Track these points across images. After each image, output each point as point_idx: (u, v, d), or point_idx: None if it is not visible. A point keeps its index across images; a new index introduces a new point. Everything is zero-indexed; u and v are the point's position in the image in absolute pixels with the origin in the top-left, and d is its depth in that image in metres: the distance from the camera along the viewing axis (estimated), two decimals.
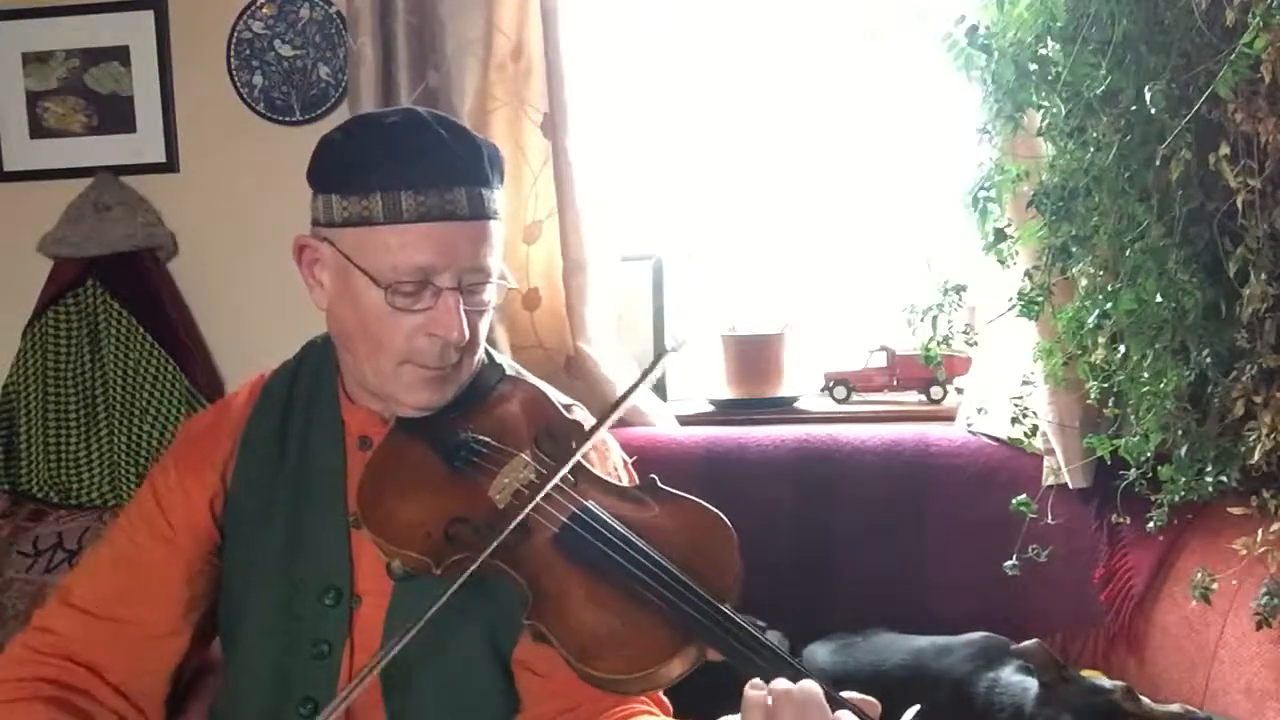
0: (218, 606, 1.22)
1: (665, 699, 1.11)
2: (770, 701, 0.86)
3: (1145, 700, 1.32)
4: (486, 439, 1.12)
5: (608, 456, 1.24)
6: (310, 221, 1.13)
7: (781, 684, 0.87)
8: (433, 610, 0.94)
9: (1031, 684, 1.39)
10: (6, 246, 2.25)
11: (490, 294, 1.13)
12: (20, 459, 2.19)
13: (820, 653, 1.60)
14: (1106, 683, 1.36)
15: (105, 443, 2.16)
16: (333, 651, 1.13)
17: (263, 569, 1.17)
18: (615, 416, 1.12)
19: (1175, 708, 1.32)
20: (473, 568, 0.96)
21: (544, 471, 1.07)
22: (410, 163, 1.06)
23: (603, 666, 0.93)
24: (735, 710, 0.89)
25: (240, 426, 1.22)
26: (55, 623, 1.16)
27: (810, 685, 0.87)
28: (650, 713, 1.08)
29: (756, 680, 0.89)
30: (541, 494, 1.02)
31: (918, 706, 0.88)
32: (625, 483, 1.21)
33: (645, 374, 1.13)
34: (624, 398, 1.14)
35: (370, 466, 1.12)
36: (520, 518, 1.00)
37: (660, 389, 2.12)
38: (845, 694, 0.89)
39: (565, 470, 1.05)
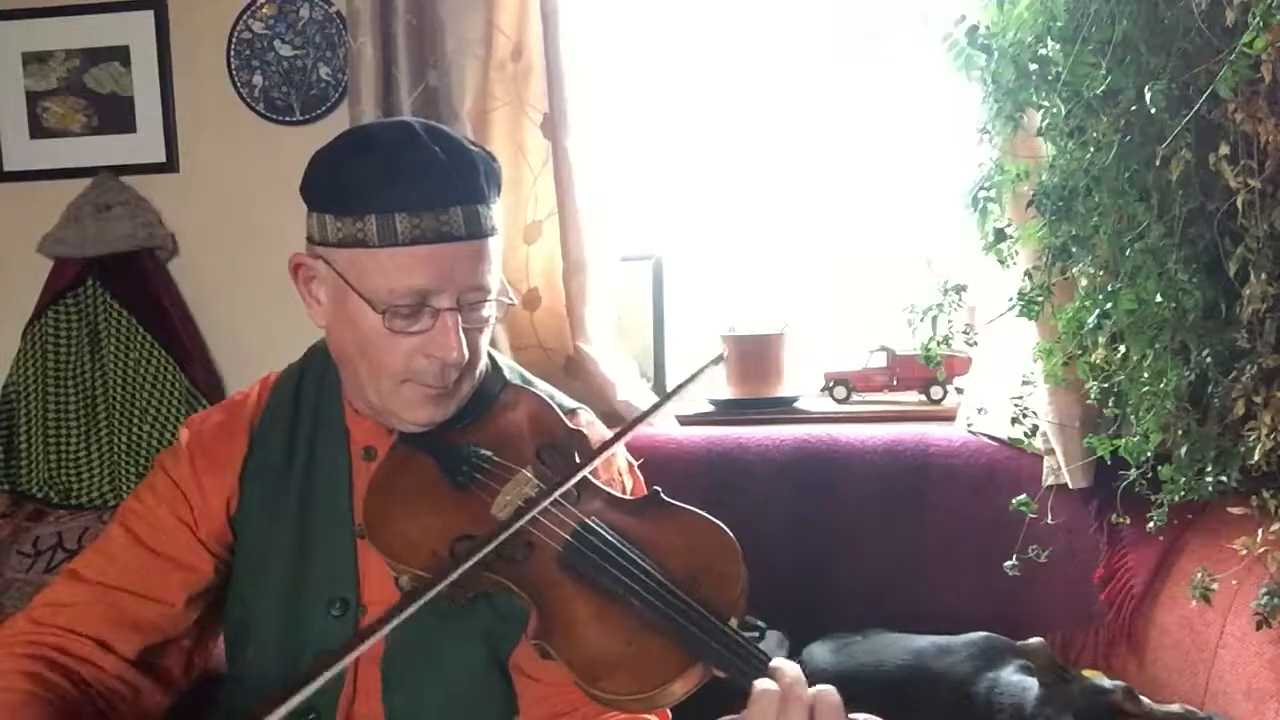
0: (225, 609, 1.21)
1: None
2: (782, 691, 0.86)
3: (1145, 700, 1.32)
4: (489, 454, 1.12)
5: (612, 461, 1.23)
6: (305, 238, 1.12)
7: (793, 672, 0.87)
8: (421, 601, 0.88)
9: (1031, 684, 1.38)
10: (6, 246, 2.25)
11: (490, 310, 1.12)
12: (20, 459, 2.19)
13: (820, 653, 1.60)
14: (1106, 683, 1.36)
15: (105, 443, 2.17)
16: None
17: (269, 577, 1.16)
18: (618, 441, 1.11)
19: (1175, 708, 1.31)
20: (463, 568, 0.94)
21: (546, 488, 1.05)
22: (405, 184, 1.03)
23: (608, 687, 0.92)
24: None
25: (253, 428, 1.21)
26: (64, 595, 1.13)
27: (829, 689, 0.86)
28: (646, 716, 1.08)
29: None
30: (536, 509, 1.00)
31: None
32: (629, 490, 1.20)
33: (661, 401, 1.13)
34: (637, 420, 1.13)
35: (375, 483, 1.11)
36: (515, 528, 0.98)
37: (660, 389, 2.12)
38: (856, 716, 0.89)
39: (561, 491, 1.04)
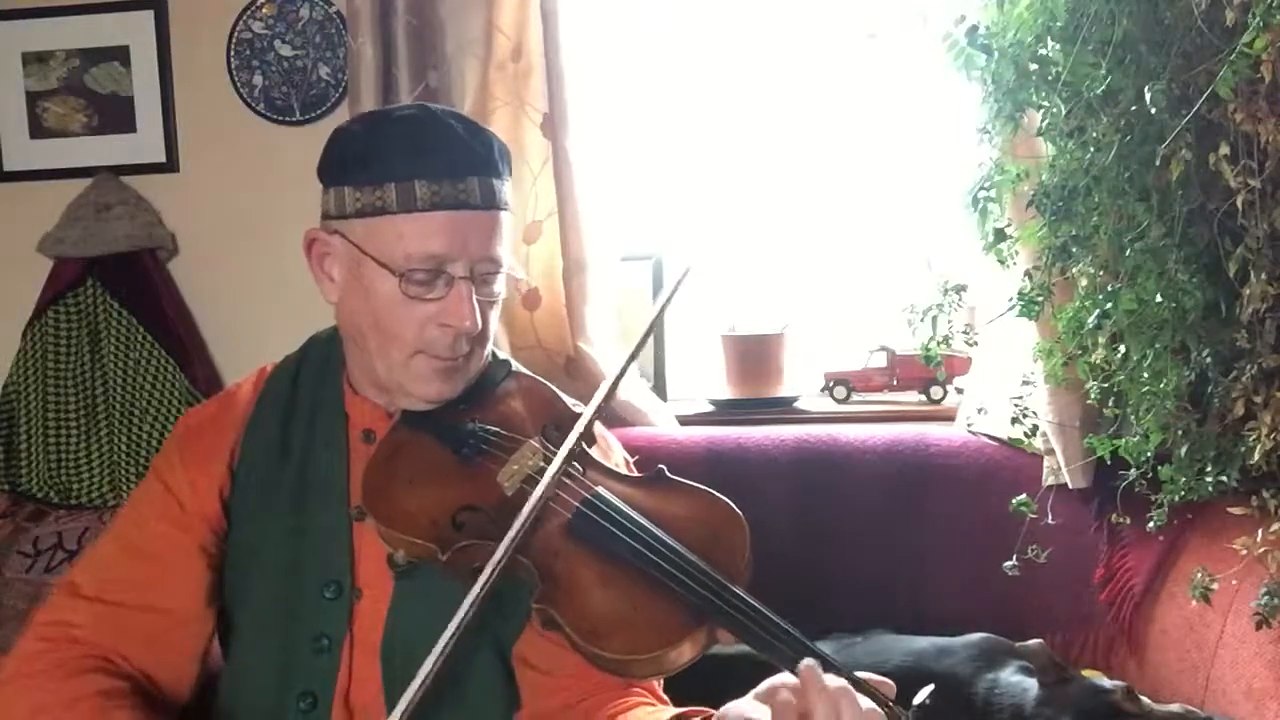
0: (223, 591, 1.21)
1: (663, 694, 1.12)
2: (800, 685, 0.85)
3: (1145, 700, 1.32)
4: (495, 428, 1.13)
5: (610, 455, 1.24)
6: (320, 216, 1.14)
7: (810, 665, 0.86)
8: (473, 601, 0.93)
9: (1031, 684, 1.38)
10: (6, 246, 2.25)
11: (501, 285, 1.15)
12: (20, 459, 2.19)
13: None
14: (1106, 683, 1.36)
15: (105, 443, 2.17)
16: (332, 645, 1.13)
17: (264, 562, 1.17)
18: (627, 369, 1.12)
19: (1175, 708, 1.32)
20: (498, 557, 0.95)
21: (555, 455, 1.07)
22: (424, 153, 1.07)
23: (612, 646, 0.93)
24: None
25: (245, 418, 1.21)
26: (69, 615, 1.14)
27: (840, 681, 0.86)
28: (648, 704, 1.08)
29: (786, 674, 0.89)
30: (555, 464, 1.02)
31: (931, 686, 0.88)
32: None
33: (664, 303, 1.14)
34: (641, 341, 1.14)
35: (376, 456, 1.13)
36: (539, 503, 0.99)
37: (660, 389, 2.12)
38: (859, 674, 0.89)
39: (577, 433, 1.05)
